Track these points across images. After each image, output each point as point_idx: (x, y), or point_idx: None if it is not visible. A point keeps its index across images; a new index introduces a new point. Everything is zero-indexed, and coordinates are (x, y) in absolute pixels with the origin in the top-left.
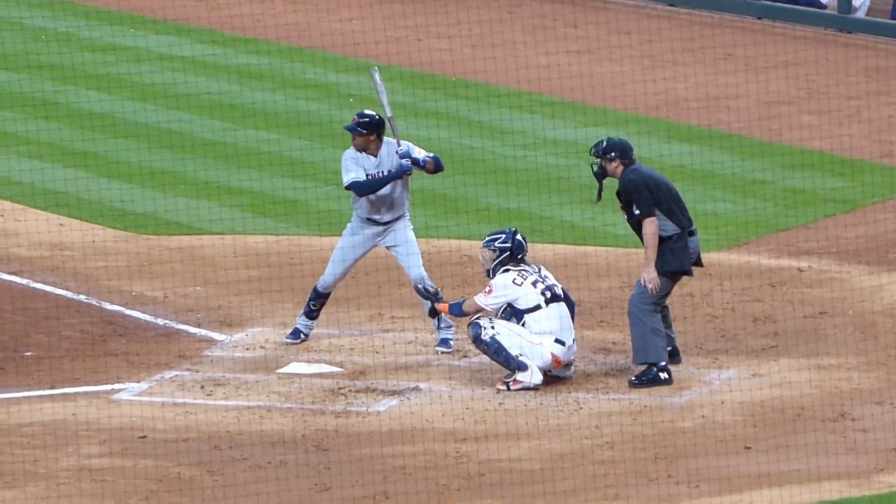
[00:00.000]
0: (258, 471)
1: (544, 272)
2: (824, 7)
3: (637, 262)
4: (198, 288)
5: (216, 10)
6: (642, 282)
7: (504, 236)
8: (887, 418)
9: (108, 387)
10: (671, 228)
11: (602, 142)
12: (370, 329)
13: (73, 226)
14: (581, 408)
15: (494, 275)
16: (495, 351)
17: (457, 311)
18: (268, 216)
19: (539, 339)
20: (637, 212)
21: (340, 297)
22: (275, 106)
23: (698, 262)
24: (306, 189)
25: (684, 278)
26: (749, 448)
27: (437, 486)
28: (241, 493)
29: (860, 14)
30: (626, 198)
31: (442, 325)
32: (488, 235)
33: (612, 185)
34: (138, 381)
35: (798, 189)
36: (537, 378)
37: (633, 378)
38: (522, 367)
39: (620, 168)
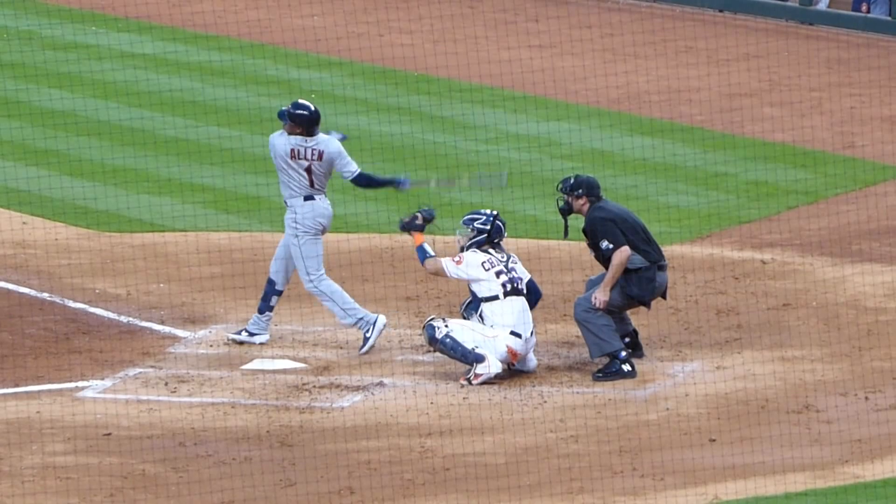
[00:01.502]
0: (223, 467)
1: (512, 263)
2: None
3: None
4: (161, 285)
5: (178, 7)
6: (593, 298)
7: (484, 218)
8: (851, 409)
9: (72, 384)
10: (639, 261)
11: (570, 178)
12: (333, 324)
13: (36, 224)
14: (545, 401)
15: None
16: (451, 348)
17: (422, 256)
18: (231, 213)
19: (494, 333)
20: (609, 246)
21: (304, 294)
22: (237, 102)
23: (663, 296)
24: (269, 185)
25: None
26: (713, 440)
27: (402, 481)
28: (205, 489)
29: (821, 6)
30: (593, 235)
31: (368, 333)
32: (468, 214)
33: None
34: (102, 379)
35: (761, 181)
36: (496, 368)
37: (597, 371)
38: (480, 359)
39: (587, 205)
